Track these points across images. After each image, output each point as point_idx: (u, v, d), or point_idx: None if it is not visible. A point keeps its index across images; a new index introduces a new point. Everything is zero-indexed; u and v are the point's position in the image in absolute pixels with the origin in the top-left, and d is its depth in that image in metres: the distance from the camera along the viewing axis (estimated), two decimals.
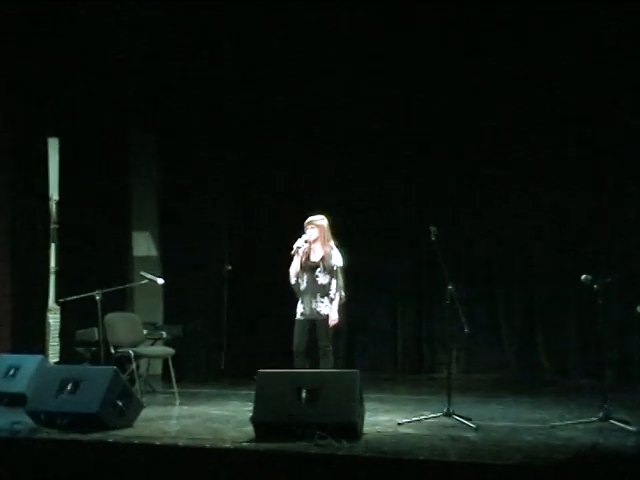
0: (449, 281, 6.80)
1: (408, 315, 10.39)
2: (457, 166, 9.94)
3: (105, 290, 8.10)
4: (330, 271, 7.57)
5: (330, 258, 7.58)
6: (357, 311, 9.80)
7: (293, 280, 7.65)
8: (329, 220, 7.72)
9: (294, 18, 9.50)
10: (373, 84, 9.74)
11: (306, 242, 7.59)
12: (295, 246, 7.58)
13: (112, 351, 8.13)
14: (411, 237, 10.17)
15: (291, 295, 7.72)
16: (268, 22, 9.55)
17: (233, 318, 10.55)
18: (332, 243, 7.68)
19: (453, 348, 9.03)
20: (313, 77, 9.82)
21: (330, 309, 7.54)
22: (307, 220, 7.68)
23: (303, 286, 7.61)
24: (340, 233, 7.84)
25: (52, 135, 9.35)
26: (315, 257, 7.62)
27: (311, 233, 7.63)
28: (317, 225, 7.65)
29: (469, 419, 6.55)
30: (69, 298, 8.51)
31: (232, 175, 10.57)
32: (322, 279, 7.58)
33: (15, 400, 7.60)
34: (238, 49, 9.84)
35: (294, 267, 7.62)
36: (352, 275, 7.98)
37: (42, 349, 8.93)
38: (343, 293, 7.64)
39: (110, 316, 8.31)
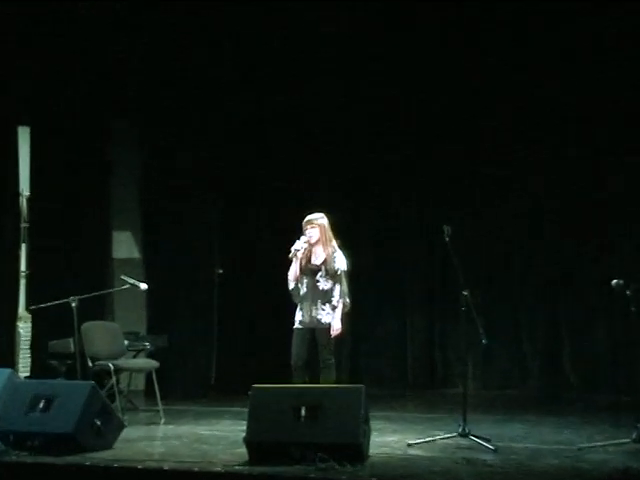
0: (464, 286, 6.75)
1: (418, 323, 10.49)
2: (457, 166, 10.31)
3: (82, 296, 8.02)
4: (333, 275, 7.51)
5: (333, 261, 7.52)
6: (361, 319, 9.84)
7: (292, 285, 7.62)
8: (329, 218, 7.69)
9: (294, 18, 9.88)
10: (373, 84, 10.21)
11: (306, 244, 7.53)
12: (293, 249, 7.52)
13: (89, 364, 8.11)
14: (413, 238, 10.56)
15: (291, 301, 7.69)
16: (268, 22, 9.95)
17: (225, 327, 10.56)
18: (334, 244, 7.63)
19: (469, 361, 9.04)
20: (313, 77, 10.29)
21: (332, 317, 7.48)
22: (305, 219, 7.64)
23: (303, 291, 7.57)
24: (340, 234, 7.85)
25: (24, 124, 9.32)
26: (316, 260, 7.58)
27: (311, 233, 7.58)
28: (317, 224, 7.61)
29: (487, 440, 6.53)
30: (41, 305, 8.43)
31: (232, 175, 10.78)
32: (324, 284, 7.53)
33: None
34: (238, 49, 10.24)
35: (293, 271, 7.58)
36: (353, 279, 7.96)
37: (11, 362, 8.88)
38: (348, 300, 7.60)
39: (87, 325, 8.28)
